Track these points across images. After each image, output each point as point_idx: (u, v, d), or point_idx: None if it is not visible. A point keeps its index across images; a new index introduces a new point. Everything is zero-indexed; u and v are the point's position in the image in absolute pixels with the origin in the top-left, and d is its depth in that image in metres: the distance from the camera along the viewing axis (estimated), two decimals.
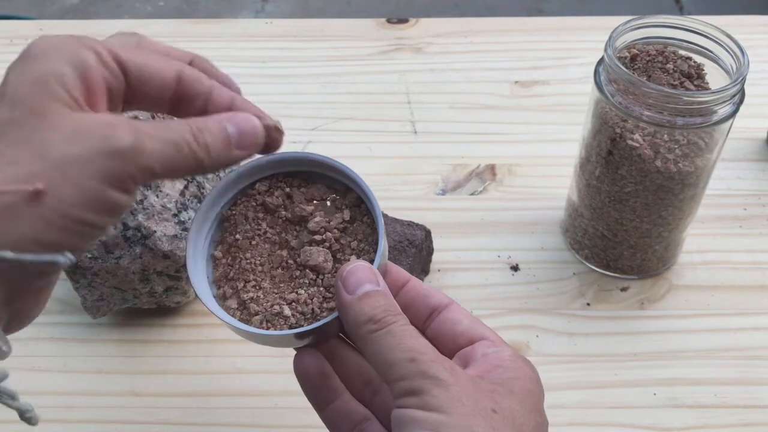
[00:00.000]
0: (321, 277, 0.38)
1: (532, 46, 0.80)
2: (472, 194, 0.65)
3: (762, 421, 0.50)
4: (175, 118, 0.32)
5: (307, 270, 0.38)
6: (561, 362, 0.53)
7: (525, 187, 0.65)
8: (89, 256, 0.50)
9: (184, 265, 0.38)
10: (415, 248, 0.54)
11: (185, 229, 0.51)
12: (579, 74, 0.76)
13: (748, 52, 0.48)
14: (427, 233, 0.56)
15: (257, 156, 0.38)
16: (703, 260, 0.59)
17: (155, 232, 0.50)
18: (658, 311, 0.56)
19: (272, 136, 0.36)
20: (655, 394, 0.51)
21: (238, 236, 0.40)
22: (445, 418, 0.30)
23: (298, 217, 0.40)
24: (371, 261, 0.36)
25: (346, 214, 0.40)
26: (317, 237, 0.39)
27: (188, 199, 0.53)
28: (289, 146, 0.73)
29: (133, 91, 0.32)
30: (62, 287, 0.57)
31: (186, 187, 0.53)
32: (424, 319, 0.37)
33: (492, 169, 0.67)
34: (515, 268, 0.59)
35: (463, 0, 2.18)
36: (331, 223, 0.39)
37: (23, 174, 0.26)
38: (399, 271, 0.38)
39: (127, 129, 0.29)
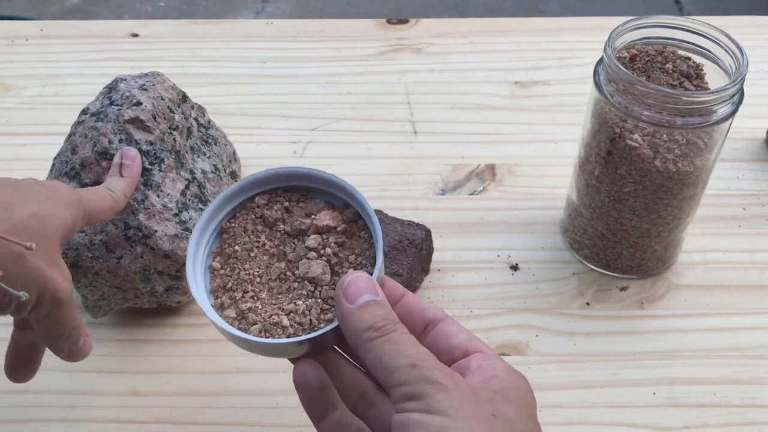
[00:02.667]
0: (319, 289, 0.39)
1: (532, 47, 0.80)
2: (472, 194, 0.65)
3: (762, 420, 0.50)
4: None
5: (305, 282, 0.39)
6: (561, 362, 0.53)
7: (525, 187, 0.65)
8: (90, 255, 0.50)
9: (184, 275, 0.39)
10: (415, 248, 0.54)
11: (186, 229, 0.51)
12: (579, 74, 0.76)
13: (747, 52, 0.48)
14: (427, 233, 0.57)
15: (258, 170, 0.41)
16: (703, 260, 0.59)
17: (156, 231, 0.50)
18: (657, 311, 0.56)
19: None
20: (654, 393, 0.51)
21: (237, 248, 0.41)
22: (448, 422, 0.30)
23: (297, 231, 0.41)
24: (370, 274, 0.37)
25: (344, 229, 0.41)
26: (315, 251, 0.40)
27: (189, 199, 0.53)
28: (289, 146, 0.73)
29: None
30: None
31: (187, 187, 0.53)
32: (420, 332, 0.37)
33: (492, 169, 0.67)
34: (515, 268, 0.59)
35: (463, 0, 2.19)
36: (330, 238, 0.40)
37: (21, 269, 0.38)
38: (395, 286, 0.39)
39: (70, 292, 0.41)
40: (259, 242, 0.41)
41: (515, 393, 0.34)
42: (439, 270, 0.59)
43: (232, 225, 0.41)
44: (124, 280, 0.51)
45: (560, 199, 0.61)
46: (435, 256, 0.59)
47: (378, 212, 0.57)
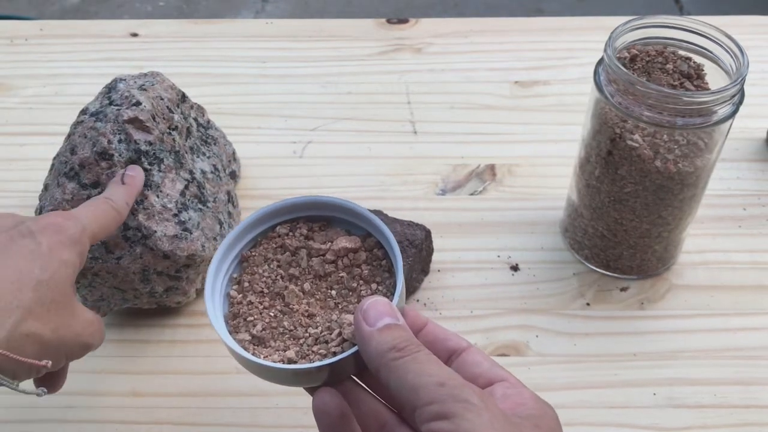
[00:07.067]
0: (336, 317, 0.39)
1: (532, 46, 0.80)
2: (472, 194, 0.65)
3: (762, 421, 0.50)
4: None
5: (324, 311, 0.40)
6: (561, 362, 0.53)
7: (525, 187, 0.65)
8: (89, 256, 0.50)
9: (203, 301, 0.40)
10: (415, 248, 0.54)
11: (186, 229, 0.51)
12: (579, 74, 0.76)
13: (747, 52, 0.48)
14: (427, 233, 0.56)
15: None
16: (703, 260, 0.59)
17: (155, 232, 0.50)
18: (658, 311, 0.56)
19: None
20: (655, 394, 0.51)
21: (256, 276, 0.41)
22: None
23: (316, 254, 0.41)
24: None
25: (365, 258, 0.41)
26: (335, 278, 0.41)
27: (188, 199, 0.53)
28: (289, 146, 0.73)
29: None
30: None
31: (186, 187, 0.53)
32: (443, 361, 0.36)
33: (492, 169, 0.67)
34: (515, 268, 0.59)
35: (463, 0, 2.19)
36: (347, 257, 0.41)
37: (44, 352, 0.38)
38: (417, 316, 0.38)
39: (99, 332, 0.42)
40: (278, 271, 0.41)
41: (543, 420, 0.33)
42: (439, 270, 0.59)
43: (253, 254, 0.42)
44: (123, 280, 0.51)
45: (560, 200, 0.61)
46: (435, 257, 0.59)
47: (378, 212, 0.57)
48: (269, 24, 0.84)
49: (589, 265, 0.59)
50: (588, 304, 0.57)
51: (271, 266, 0.41)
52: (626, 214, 0.53)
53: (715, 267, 0.59)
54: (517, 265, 0.59)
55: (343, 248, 0.41)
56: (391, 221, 0.56)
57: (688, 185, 0.51)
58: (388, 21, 0.83)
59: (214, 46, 0.81)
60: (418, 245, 0.55)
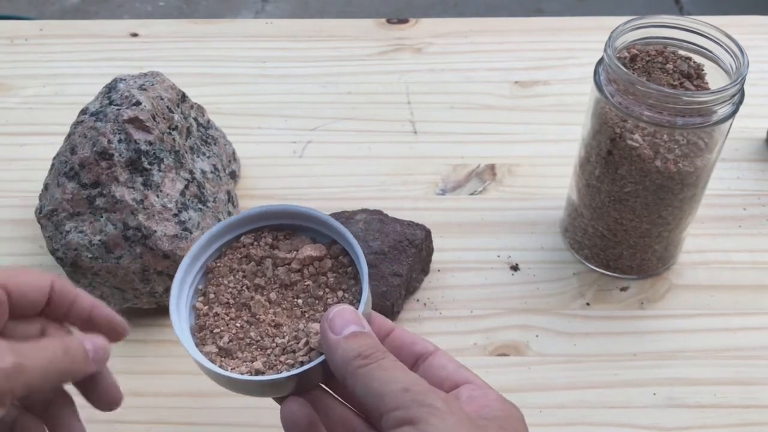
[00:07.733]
0: (304, 326, 0.39)
1: (532, 46, 0.80)
2: (472, 194, 0.65)
3: (762, 420, 0.50)
4: (45, 338, 0.37)
5: (290, 320, 0.40)
6: (561, 362, 0.53)
7: (525, 187, 0.65)
8: (89, 256, 0.50)
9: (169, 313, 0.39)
10: (415, 248, 0.54)
11: (186, 229, 0.51)
12: (579, 74, 0.76)
13: (747, 52, 0.48)
14: (427, 233, 0.56)
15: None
16: (703, 260, 0.59)
17: (155, 231, 0.50)
18: (658, 311, 0.56)
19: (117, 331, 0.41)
20: (654, 394, 0.51)
21: (221, 287, 0.41)
22: None
23: (282, 263, 0.41)
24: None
25: (330, 265, 0.41)
26: (301, 286, 0.41)
27: (188, 199, 0.53)
28: (289, 146, 0.73)
29: (14, 305, 0.36)
30: None
31: (186, 187, 0.53)
32: (410, 365, 0.37)
33: (492, 169, 0.67)
34: (515, 268, 0.59)
35: (463, 0, 2.19)
36: (312, 265, 0.41)
37: None
38: (384, 321, 0.38)
39: (8, 351, 0.32)
40: (244, 281, 0.41)
41: (508, 422, 0.33)
42: (439, 270, 0.59)
43: (218, 264, 0.42)
44: (123, 280, 0.51)
45: (560, 199, 0.61)
46: (435, 256, 0.59)
47: (378, 212, 0.57)
48: (269, 24, 0.84)
49: (589, 265, 0.59)
50: (588, 303, 0.57)
51: (237, 277, 0.41)
52: (626, 214, 0.53)
53: (715, 267, 0.59)
54: (517, 265, 0.59)
55: (308, 257, 0.40)
56: (391, 221, 0.56)
57: (688, 185, 0.51)
58: (388, 21, 0.83)
59: (214, 46, 0.81)
60: (418, 245, 0.55)
